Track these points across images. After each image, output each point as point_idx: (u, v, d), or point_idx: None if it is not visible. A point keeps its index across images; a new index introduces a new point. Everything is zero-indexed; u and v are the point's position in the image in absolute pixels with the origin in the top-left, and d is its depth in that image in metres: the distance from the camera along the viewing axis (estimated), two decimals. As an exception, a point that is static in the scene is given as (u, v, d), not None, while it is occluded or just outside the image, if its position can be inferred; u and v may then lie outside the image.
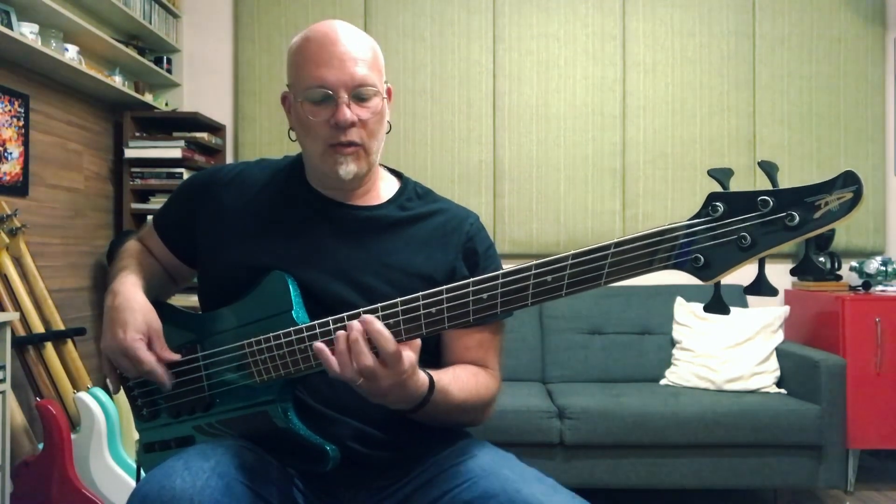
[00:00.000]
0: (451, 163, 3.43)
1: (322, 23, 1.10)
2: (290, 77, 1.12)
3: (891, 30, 3.41)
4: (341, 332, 0.92)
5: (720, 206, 0.80)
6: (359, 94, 1.07)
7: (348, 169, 1.08)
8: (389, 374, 0.91)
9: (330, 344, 0.93)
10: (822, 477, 2.52)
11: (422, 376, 0.97)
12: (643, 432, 2.50)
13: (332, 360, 0.92)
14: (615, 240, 0.84)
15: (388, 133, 1.17)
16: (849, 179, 0.74)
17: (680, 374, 2.88)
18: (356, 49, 1.07)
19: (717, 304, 0.84)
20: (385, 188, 1.20)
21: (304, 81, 1.07)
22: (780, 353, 2.81)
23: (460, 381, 1.06)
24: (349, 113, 1.05)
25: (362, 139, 1.09)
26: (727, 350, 2.82)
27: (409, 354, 0.92)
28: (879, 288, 3.06)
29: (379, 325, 0.91)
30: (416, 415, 1.01)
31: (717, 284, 0.83)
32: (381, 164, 1.22)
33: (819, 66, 3.39)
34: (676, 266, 0.83)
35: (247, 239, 1.13)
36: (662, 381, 2.92)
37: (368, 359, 0.90)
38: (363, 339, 0.90)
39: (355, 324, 0.91)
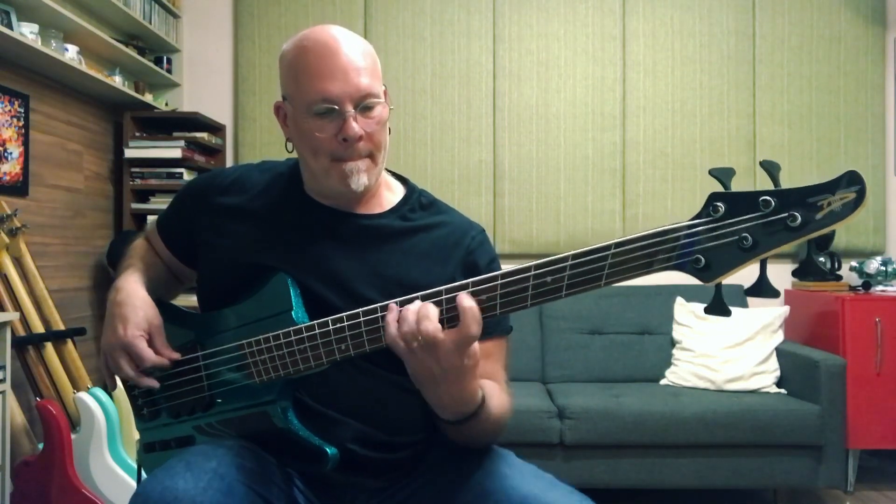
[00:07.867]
0: (451, 163, 3.42)
1: (316, 30, 1.06)
2: (286, 88, 1.07)
3: (891, 30, 3.40)
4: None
5: (721, 207, 0.80)
6: (364, 105, 1.04)
7: (360, 181, 1.06)
8: (453, 353, 0.88)
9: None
10: (822, 477, 2.52)
11: (475, 386, 0.94)
12: (643, 432, 2.50)
13: (392, 320, 0.90)
14: (615, 240, 0.83)
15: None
16: (852, 180, 0.74)
17: (680, 374, 2.88)
18: (357, 58, 1.04)
19: (718, 305, 0.84)
20: (389, 196, 1.17)
21: (306, 96, 1.03)
22: (780, 353, 2.81)
23: (495, 396, 1.03)
24: (357, 127, 1.03)
25: (370, 151, 1.06)
26: (727, 350, 2.82)
27: (477, 347, 0.90)
28: (879, 288, 3.06)
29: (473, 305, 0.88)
30: (458, 429, 0.98)
31: (719, 286, 0.83)
32: (386, 169, 1.20)
33: (819, 66, 3.39)
34: (677, 267, 0.82)
35: (245, 243, 1.12)
36: (662, 381, 2.92)
37: (434, 324, 0.87)
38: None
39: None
